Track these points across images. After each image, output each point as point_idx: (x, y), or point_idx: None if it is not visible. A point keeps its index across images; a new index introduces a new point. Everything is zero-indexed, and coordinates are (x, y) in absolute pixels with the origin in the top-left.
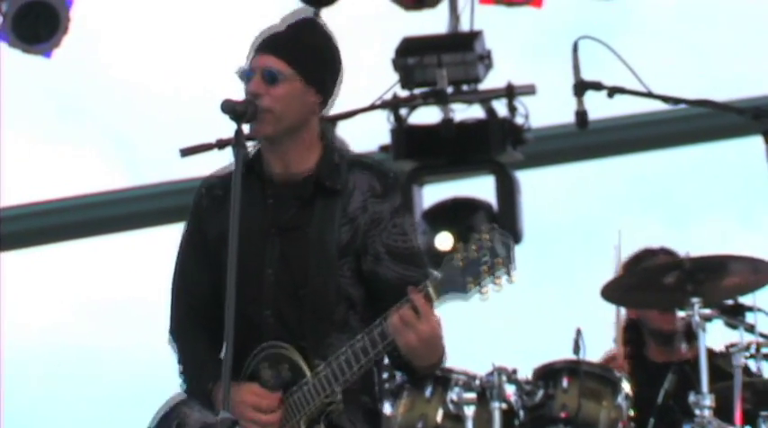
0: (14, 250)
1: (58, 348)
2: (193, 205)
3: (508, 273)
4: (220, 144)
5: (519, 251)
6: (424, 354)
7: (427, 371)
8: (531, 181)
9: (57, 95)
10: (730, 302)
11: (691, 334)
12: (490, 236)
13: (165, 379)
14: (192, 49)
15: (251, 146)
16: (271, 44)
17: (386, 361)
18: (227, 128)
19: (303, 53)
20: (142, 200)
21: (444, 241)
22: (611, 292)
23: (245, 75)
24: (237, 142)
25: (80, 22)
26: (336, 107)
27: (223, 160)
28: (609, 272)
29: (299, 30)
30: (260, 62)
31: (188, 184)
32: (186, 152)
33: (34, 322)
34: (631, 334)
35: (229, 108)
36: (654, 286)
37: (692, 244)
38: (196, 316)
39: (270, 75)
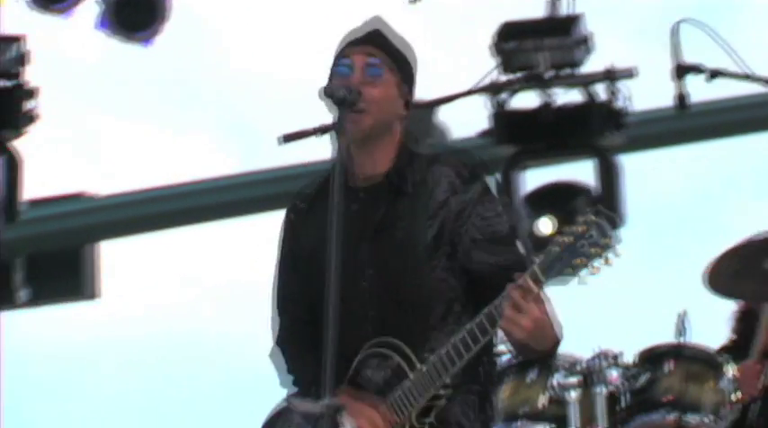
0: (136, 235)
1: (180, 331)
2: (282, 226)
3: (614, 250)
4: (321, 129)
5: (623, 234)
6: (538, 339)
7: (544, 354)
8: (635, 164)
9: (175, 83)
10: None
11: None
12: (595, 215)
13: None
14: (309, 34)
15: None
16: (371, 37)
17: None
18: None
19: (399, 49)
20: (259, 184)
21: (545, 225)
22: (712, 279)
23: (344, 68)
24: (338, 128)
25: (197, 11)
26: (437, 92)
27: (326, 146)
28: (713, 256)
29: (389, 28)
30: (361, 54)
31: (307, 169)
32: (287, 138)
33: (156, 304)
34: (744, 323)
35: (330, 93)
36: (753, 272)
37: None
38: (301, 331)
39: (373, 72)
